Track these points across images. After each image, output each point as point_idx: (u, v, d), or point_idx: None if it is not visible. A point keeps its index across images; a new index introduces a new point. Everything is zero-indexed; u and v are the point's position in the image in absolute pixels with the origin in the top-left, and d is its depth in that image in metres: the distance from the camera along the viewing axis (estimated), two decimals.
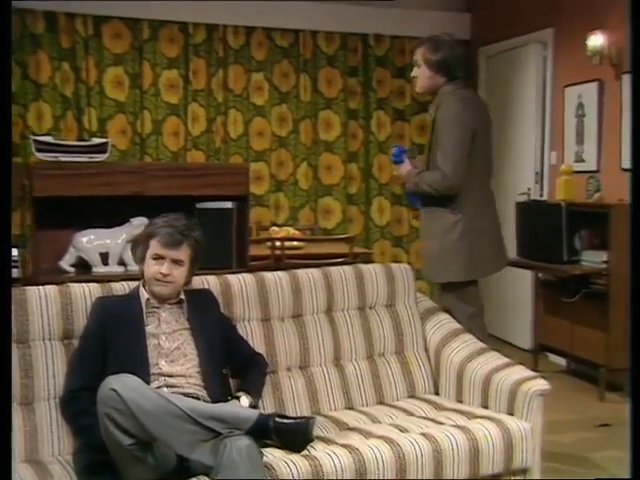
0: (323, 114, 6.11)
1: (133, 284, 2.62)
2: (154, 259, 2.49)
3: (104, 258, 3.52)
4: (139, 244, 2.59)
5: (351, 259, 4.76)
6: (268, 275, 2.94)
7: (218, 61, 5.83)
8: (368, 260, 5.90)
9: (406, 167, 3.45)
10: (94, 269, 3.54)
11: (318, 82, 6.10)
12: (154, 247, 2.49)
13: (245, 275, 2.92)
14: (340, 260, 4.64)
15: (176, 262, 2.49)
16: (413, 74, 3.38)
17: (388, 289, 3.13)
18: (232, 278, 2.86)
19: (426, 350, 3.13)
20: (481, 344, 3.07)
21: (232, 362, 2.63)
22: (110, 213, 3.54)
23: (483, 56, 6.27)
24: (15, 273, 3.17)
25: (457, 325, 3.18)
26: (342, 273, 3.06)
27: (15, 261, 3.25)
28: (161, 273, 2.47)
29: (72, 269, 3.52)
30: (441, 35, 3.35)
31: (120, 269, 3.48)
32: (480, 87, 6.27)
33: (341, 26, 6.04)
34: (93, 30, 5.53)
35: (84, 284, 2.58)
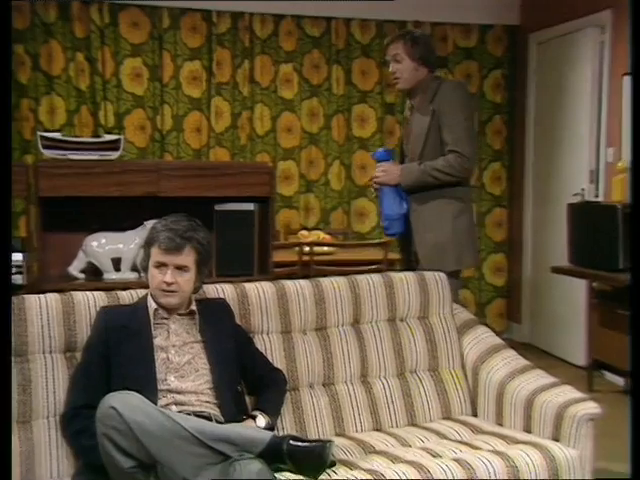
0: (357, 108, 6.09)
1: (143, 292, 2.62)
2: (156, 267, 2.49)
3: (116, 264, 3.54)
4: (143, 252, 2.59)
5: (386, 266, 4.75)
6: (289, 283, 2.92)
7: (244, 52, 5.84)
8: (405, 267, 5.89)
9: (390, 164, 3.53)
10: (105, 275, 3.56)
11: (352, 74, 6.08)
12: (155, 254, 2.49)
13: (264, 283, 2.90)
14: (374, 267, 4.62)
15: (180, 268, 2.48)
16: (393, 69, 3.46)
17: (421, 299, 3.10)
18: (250, 287, 2.85)
19: (463, 367, 3.09)
20: (524, 361, 3.02)
21: (248, 378, 2.62)
22: (123, 215, 3.56)
23: (533, 43, 6.18)
24: (19, 279, 3.18)
25: (497, 340, 3.13)
26: (370, 282, 3.03)
27: (19, 267, 3.26)
28: (165, 282, 2.46)
29: (82, 275, 3.54)
30: (411, 30, 3.60)
31: (133, 275, 3.49)
32: (529, 78, 6.19)
33: (376, 13, 6.01)
34: (109, 18, 5.58)
35: (88, 292, 2.59)
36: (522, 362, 3.00)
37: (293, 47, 5.94)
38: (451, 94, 3.40)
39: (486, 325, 3.25)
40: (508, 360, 3.00)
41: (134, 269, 3.50)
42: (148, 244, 2.53)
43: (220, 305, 2.68)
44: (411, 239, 3.57)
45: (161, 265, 2.48)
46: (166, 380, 2.40)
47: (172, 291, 2.47)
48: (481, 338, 3.13)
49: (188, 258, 2.49)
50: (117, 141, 3.71)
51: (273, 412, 2.54)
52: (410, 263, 3.62)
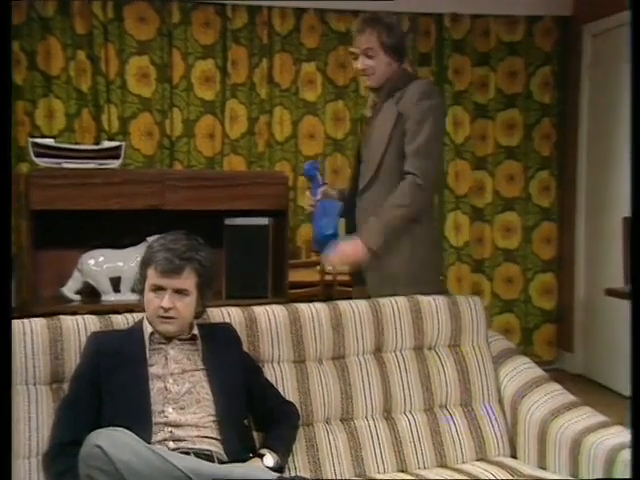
0: None
1: (142, 316, 2.63)
2: (153, 291, 2.50)
3: (115, 284, 3.57)
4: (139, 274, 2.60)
5: None
6: (303, 307, 2.92)
7: (262, 49, 5.88)
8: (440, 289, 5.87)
9: (346, 244, 3.24)
10: (103, 297, 3.60)
11: None
12: (151, 276, 2.50)
13: (275, 307, 2.90)
14: None
15: (179, 292, 2.49)
16: (364, 65, 3.27)
17: (452, 325, 3.08)
18: (259, 310, 2.86)
19: (500, 402, 3.06)
20: (570, 396, 2.98)
21: (256, 411, 2.62)
22: (123, 231, 3.60)
23: (587, 35, 6.14)
24: None
25: (539, 372, 3.10)
26: (395, 305, 3.02)
27: None
28: (162, 307, 2.47)
29: (77, 297, 3.58)
30: (379, 13, 3.36)
31: (134, 297, 3.49)
32: (582, 74, 6.15)
33: (409, 5, 6.01)
34: (114, 13, 5.63)
35: (78, 316, 2.61)
36: (568, 397, 2.97)
37: (316, 44, 5.97)
38: (420, 96, 3.21)
39: (532, 354, 3.21)
40: (552, 395, 2.97)
41: (135, 290, 3.52)
42: (144, 265, 2.54)
43: (225, 330, 2.68)
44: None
45: (158, 289, 2.49)
46: (163, 412, 2.40)
47: (170, 317, 2.48)
48: (521, 369, 3.09)
49: (188, 281, 2.50)
50: (117, 148, 3.75)
51: (283, 450, 2.54)
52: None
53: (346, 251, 3.20)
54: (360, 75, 3.39)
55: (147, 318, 2.55)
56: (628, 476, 2.54)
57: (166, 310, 2.47)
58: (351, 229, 3.32)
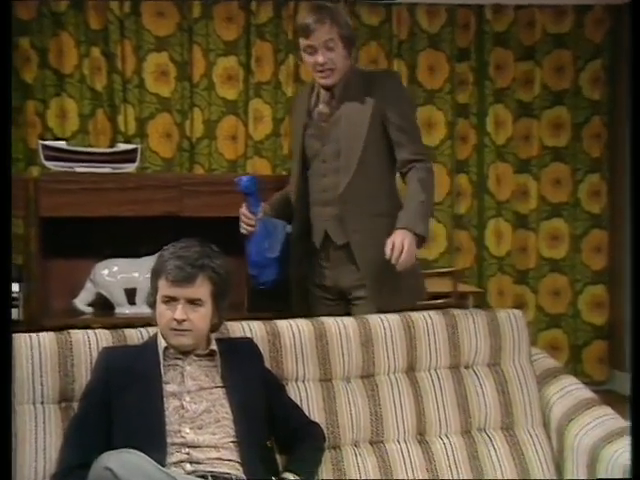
0: (423, 111, 6.08)
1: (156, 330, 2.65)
2: (165, 302, 2.51)
3: (130, 296, 3.60)
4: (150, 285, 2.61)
5: (456, 300, 4.71)
6: (330, 321, 2.92)
7: (288, 45, 5.90)
8: (480, 302, 5.85)
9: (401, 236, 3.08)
10: (117, 309, 3.62)
11: (417, 69, 6.09)
12: (163, 287, 2.51)
13: (299, 321, 2.91)
14: (441, 301, 4.60)
15: (193, 302, 2.50)
16: (325, 59, 3.19)
17: (492, 342, 3.06)
18: (282, 324, 2.86)
19: (545, 426, 3.03)
20: (623, 421, 2.95)
21: (279, 432, 2.62)
22: (138, 239, 3.62)
23: None
24: (14, 314, 3.25)
25: (588, 393, 3.07)
26: (429, 320, 3.01)
27: (15, 299, 3.34)
28: (175, 319, 2.48)
29: (89, 309, 3.61)
30: (333, 5, 3.30)
31: (150, 310, 3.53)
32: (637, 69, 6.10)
33: None
34: (130, 7, 5.69)
35: (89, 330, 2.62)
36: (620, 422, 2.91)
37: None
38: (397, 86, 3.32)
39: (580, 374, 3.18)
40: (602, 419, 2.92)
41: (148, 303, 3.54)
42: (154, 276, 2.56)
43: (246, 345, 2.69)
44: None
45: (170, 299, 2.50)
46: (180, 432, 2.41)
47: (184, 330, 2.49)
48: (568, 391, 3.06)
49: (201, 290, 2.51)
50: (134, 151, 3.79)
51: (307, 473, 2.53)
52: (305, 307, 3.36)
53: (408, 246, 3.03)
54: (317, 71, 3.24)
55: (160, 332, 2.56)
56: None
57: (179, 322, 2.48)
58: (317, 242, 3.29)
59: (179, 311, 2.49)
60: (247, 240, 3.32)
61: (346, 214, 3.23)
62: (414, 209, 3.15)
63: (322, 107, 3.31)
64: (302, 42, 3.22)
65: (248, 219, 3.28)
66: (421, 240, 3.11)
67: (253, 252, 3.32)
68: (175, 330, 2.50)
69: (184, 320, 2.48)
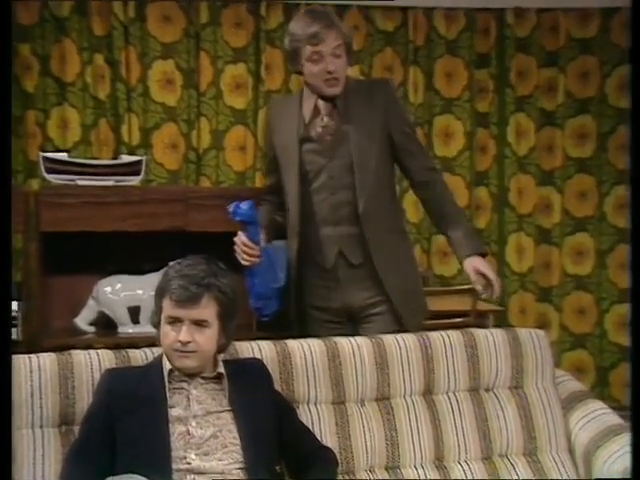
0: (440, 120, 6.09)
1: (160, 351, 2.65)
2: (169, 323, 2.51)
3: (134, 314, 3.59)
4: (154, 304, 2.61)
5: (475, 319, 4.70)
6: (343, 341, 2.93)
7: None
8: (501, 321, 5.83)
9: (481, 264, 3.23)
10: (121, 329, 3.62)
11: (434, 77, 6.11)
12: (167, 307, 2.51)
13: (311, 341, 2.92)
14: (460, 320, 4.59)
15: (198, 324, 2.51)
16: (332, 68, 3.15)
17: (513, 364, 3.06)
18: (293, 345, 2.87)
19: (570, 452, 3.02)
20: None
21: (289, 457, 2.62)
22: (143, 255, 3.61)
23: None
24: (13, 334, 3.25)
25: (616, 419, 3.05)
26: (447, 340, 3.01)
27: (13, 318, 3.34)
28: (180, 341, 2.48)
29: (91, 329, 3.60)
30: (324, 8, 3.35)
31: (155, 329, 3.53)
32: None
33: (466, 0, 6.03)
34: (135, 12, 5.72)
35: (92, 351, 2.63)
36: None
37: (361, 45, 5.98)
38: (394, 94, 3.39)
39: (607, 398, 3.16)
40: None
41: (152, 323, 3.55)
42: (158, 295, 2.56)
43: (255, 367, 2.69)
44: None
45: (175, 320, 2.51)
46: (185, 458, 2.41)
47: (189, 351, 2.49)
48: (595, 416, 3.04)
49: (207, 310, 2.51)
50: (138, 163, 3.79)
51: None
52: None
53: (490, 272, 3.20)
54: (324, 80, 3.17)
55: (165, 354, 2.57)
56: None
57: (184, 344, 2.48)
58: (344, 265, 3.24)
59: (184, 332, 2.49)
60: (247, 271, 3.20)
61: (368, 232, 3.21)
62: (469, 229, 3.33)
63: (326, 120, 3.25)
64: (307, 50, 3.15)
65: (251, 250, 3.15)
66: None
67: (257, 284, 3.22)
68: (179, 352, 2.50)
69: (189, 342, 2.48)
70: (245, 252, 3.15)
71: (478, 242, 3.33)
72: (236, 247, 3.16)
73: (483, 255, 3.24)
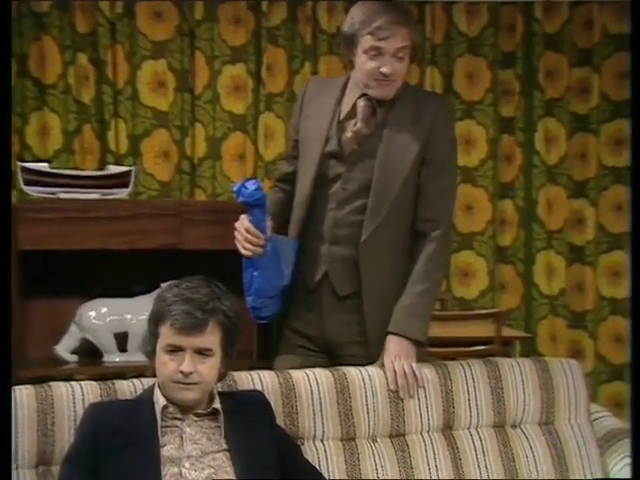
0: (461, 126, 6.06)
1: (152, 382, 2.65)
2: (169, 352, 2.50)
3: (121, 341, 3.60)
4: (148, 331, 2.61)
5: (500, 347, 4.69)
6: (352, 372, 2.93)
7: (304, 51, 5.94)
8: (529, 349, 5.82)
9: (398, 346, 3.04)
10: (106, 357, 3.63)
11: (454, 78, 6.12)
12: (167, 335, 2.51)
13: (318, 371, 2.93)
14: (483, 348, 4.58)
15: (201, 352, 2.51)
16: (390, 71, 3.02)
17: (543, 398, 3.07)
18: (298, 375, 2.88)
19: None
20: None
21: None
22: (131, 276, 3.63)
23: None
24: None
25: None
26: (468, 371, 3.02)
27: None
28: (182, 372, 2.48)
29: (73, 357, 3.61)
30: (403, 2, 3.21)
31: (144, 358, 3.52)
32: None
33: None
34: (123, 8, 5.71)
35: (74, 382, 2.63)
36: None
37: None
38: (449, 117, 3.21)
39: None
40: None
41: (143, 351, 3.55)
42: (155, 321, 2.56)
43: (255, 400, 2.70)
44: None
45: (176, 349, 2.50)
46: None
47: (191, 383, 2.50)
48: None
49: (211, 338, 2.52)
50: (126, 174, 3.81)
51: None
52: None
53: (407, 366, 2.98)
54: (374, 79, 3.05)
55: (159, 385, 2.56)
56: None
57: (186, 375, 2.48)
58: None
59: (187, 363, 2.48)
60: (247, 262, 3.08)
61: (364, 264, 3.11)
62: (410, 304, 3.06)
63: (360, 125, 3.13)
64: (366, 40, 3.01)
65: (256, 238, 3.03)
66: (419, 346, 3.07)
67: (257, 279, 3.07)
68: (181, 384, 2.49)
69: (191, 373, 2.48)
70: (247, 240, 3.03)
71: (408, 321, 3.05)
72: (237, 233, 3.06)
73: (418, 343, 3.06)
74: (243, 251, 3.05)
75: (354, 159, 3.13)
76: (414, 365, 2.99)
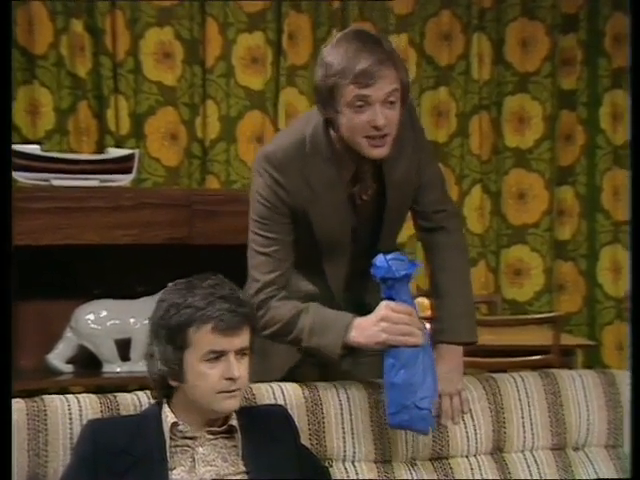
0: (513, 101, 6.10)
1: None
2: (209, 360, 2.47)
3: (123, 349, 3.61)
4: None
5: (558, 357, 4.68)
6: None
7: (331, 18, 5.98)
8: (593, 359, 5.80)
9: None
10: (106, 367, 3.64)
11: (505, 46, 6.14)
12: (207, 341, 2.45)
13: (350, 384, 2.91)
14: (539, 358, 4.58)
15: (241, 353, 2.50)
16: (384, 121, 2.79)
17: (610, 416, 3.06)
18: (326, 388, 2.87)
19: None
20: None
21: None
22: (134, 274, 3.64)
23: None
24: None
25: None
26: (521, 385, 3.01)
27: None
28: (230, 379, 2.46)
29: (69, 367, 3.63)
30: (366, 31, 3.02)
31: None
32: None
33: None
34: None
35: (70, 395, 2.63)
36: None
37: (408, 8, 6.03)
38: (416, 117, 3.17)
39: None
40: None
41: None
42: (182, 331, 2.47)
43: (276, 416, 2.69)
44: None
45: (219, 355, 2.48)
46: None
47: (236, 389, 2.48)
48: None
49: (247, 336, 2.51)
50: (128, 158, 3.83)
51: None
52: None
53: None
54: (367, 137, 2.83)
55: (201, 399, 2.51)
56: None
57: (234, 381, 2.47)
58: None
59: (235, 366, 2.45)
60: (392, 358, 2.71)
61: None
62: (469, 307, 3.10)
63: (359, 187, 3.04)
64: (349, 91, 2.78)
65: (414, 319, 2.73)
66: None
67: (422, 387, 2.67)
68: (225, 392, 2.47)
69: (239, 377, 2.47)
70: (409, 332, 2.71)
71: (460, 328, 3.02)
72: (383, 323, 2.72)
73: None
74: (406, 341, 2.71)
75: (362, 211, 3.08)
76: (464, 395, 2.96)
